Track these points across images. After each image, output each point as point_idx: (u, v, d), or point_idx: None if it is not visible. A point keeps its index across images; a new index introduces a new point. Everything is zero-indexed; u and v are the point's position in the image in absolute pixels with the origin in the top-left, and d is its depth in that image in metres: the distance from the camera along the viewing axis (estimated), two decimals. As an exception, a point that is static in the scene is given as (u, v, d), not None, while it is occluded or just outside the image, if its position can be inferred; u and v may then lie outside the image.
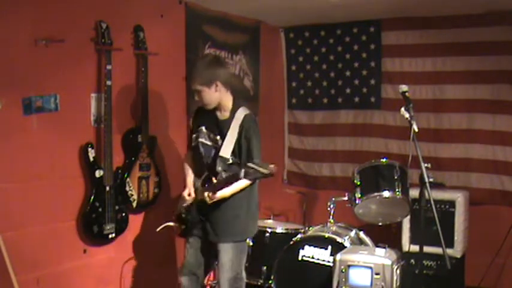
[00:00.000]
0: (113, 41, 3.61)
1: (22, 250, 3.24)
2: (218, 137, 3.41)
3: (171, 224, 3.57)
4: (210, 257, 3.56)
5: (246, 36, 5.14)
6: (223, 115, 3.44)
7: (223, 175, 3.29)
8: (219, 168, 3.35)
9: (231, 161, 3.36)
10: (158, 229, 3.56)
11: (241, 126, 3.37)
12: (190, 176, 3.53)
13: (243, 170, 3.07)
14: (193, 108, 3.73)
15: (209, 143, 3.45)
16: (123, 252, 3.91)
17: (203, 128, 3.46)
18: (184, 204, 3.46)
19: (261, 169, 3.02)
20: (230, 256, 3.44)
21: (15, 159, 3.24)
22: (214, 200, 3.29)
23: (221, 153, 3.37)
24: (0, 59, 3.13)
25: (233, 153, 3.37)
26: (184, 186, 3.49)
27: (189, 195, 3.44)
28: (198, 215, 3.46)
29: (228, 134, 3.37)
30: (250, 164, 3.07)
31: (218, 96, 3.37)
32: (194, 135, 3.51)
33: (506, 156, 4.66)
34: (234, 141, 3.37)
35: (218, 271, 3.50)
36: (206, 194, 3.27)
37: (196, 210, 3.45)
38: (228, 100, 3.42)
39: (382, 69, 5.13)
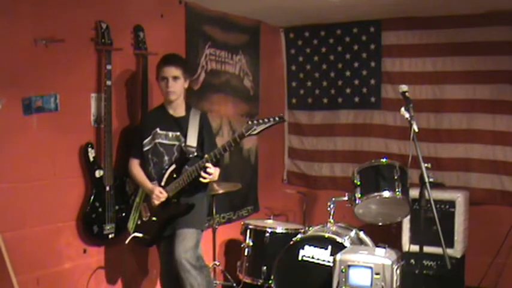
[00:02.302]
0: (113, 41, 3.61)
1: (22, 250, 3.24)
2: (178, 133, 3.52)
3: (139, 234, 3.59)
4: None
5: (246, 36, 5.14)
6: (178, 113, 3.58)
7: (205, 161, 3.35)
8: (190, 156, 3.45)
9: (196, 154, 3.47)
10: (127, 241, 3.60)
11: (201, 123, 3.54)
12: (147, 179, 3.56)
13: (245, 127, 3.20)
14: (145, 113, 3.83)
15: (168, 142, 3.53)
16: (123, 252, 3.91)
17: (158, 129, 3.54)
18: (157, 202, 3.47)
19: (266, 119, 3.17)
20: (195, 241, 3.48)
21: (15, 159, 3.24)
22: (215, 176, 3.38)
23: (188, 143, 3.48)
24: (0, 59, 3.13)
25: (196, 146, 3.49)
26: (150, 190, 3.51)
27: (161, 193, 3.47)
28: (163, 216, 3.51)
29: (189, 129, 3.51)
30: (252, 120, 3.20)
31: (183, 91, 3.56)
32: (148, 139, 3.55)
33: (506, 156, 4.66)
34: (196, 135, 3.50)
35: (178, 262, 3.41)
36: (208, 165, 3.33)
37: (161, 211, 3.50)
38: (183, 98, 3.59)
39: (382, 69, 5.13)
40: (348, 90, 5.33)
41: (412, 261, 4.11)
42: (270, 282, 4.11)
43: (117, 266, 3.91)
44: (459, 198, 4.30)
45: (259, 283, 4.27)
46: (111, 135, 3.63)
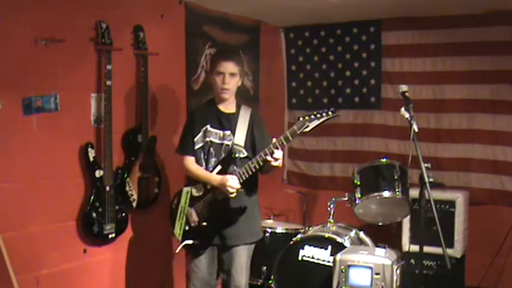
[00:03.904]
0: (113, 41, 3.61)
1: (22, 250, 3.24)
2: (228, 132, 3.38)
3: (190, 242, 3.41)
4: (219, 263, 3.51)
5: (246, 36, 5.14)
6: (229, 109, 3.42)
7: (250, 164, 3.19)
8: (237, 155, 3.31)
9: (245, 154, 3.34)
10: (177, 250, 3.45)
11: (251, 120, 3.39)
12: (209, 173, 3.33)
13: (297, 124, 3.05)
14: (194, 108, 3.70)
15: (219, 141, 3.39)
16: (123, 252, 3.91)
17: (208, 126, 3.41)
18: (234, 195, 3.21)
19: (319, 114, 3.03)
20: (246, 258, 3.43)
21: (15, 159, 3.24)
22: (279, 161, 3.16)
23: (236, 141, 3.33)
24: (0, 59, 3.13)
25: (245, 146, 3.36)
26: (221, 182, 3.22)
27: (233, 179, 3.19)
28: (214, 221, 3.37)
29: (238, 126, 3.36)
30: (304, 116, 3.04)
31: (236, 89, 3.41)
32: (199, 136, 3.40)
33: (506, 156, 4.66)
34: (245, 133, 3.36)
35: (231, 277, 3.41)
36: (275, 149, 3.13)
37: (211, 216, 3.37)
38: (234, 96, 3.46)
39: (382, 69, 5.12)
40: (348, 90, 5.33)
41: (412, 261, 4.11)
42: (270, 282, 4.11)
43: (117, 266, 3.91)
44: (459, 198, 4.30)
45: (259, 283, 4.27)
46: (111, 135, 3.62)
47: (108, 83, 3.58)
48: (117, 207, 3.70)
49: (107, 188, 3.63)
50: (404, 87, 3.41)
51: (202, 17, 4.55)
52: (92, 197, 3.58)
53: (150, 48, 3.92)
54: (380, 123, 5.18)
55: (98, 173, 3.59)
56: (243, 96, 5.08)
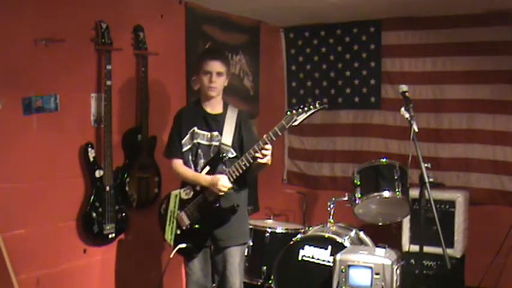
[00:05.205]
0: (113, 41, 3.61)
1: (22, 250, 3.24)
2: (216, 133, 3.35)
3: (183, 245, 3.37)
4: (212, 264, 3.49)
5: (246, 36, 5.14)
6: (215, 110, 3.40)
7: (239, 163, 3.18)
8: (224, 155, 3.28)
9: (234, 154, 3.32)
10: (171, 255, 3.41)
11: (239, 119, 3.37)
12: (199, 174, 3.32)
13: (284, 118, 3.05)
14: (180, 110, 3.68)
15: (207, 142, 3.37)
16: (123, 253, 3.91)
17: (195, 128, 3.39)
18: (221, 194, 3.22)
19: (306, 108, 3.03)
20: (239, 259, 3.41)
21: (15, 159, 3.24)
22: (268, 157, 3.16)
23: (223, 141, 3.31)
24: (0, 59, 3.13)
25: (233, 145, 3.34)
26: (211, 182, 3.22)
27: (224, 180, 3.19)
28: (205, 222, 3.35)
29: (225, 126, 3.34)
30: (291, 110, 3.04)
31: (223, 88, 3.38)
32: (186, 138, 3.38)
33: (506, 156, 4.66)
34: (232, 133, 3.34)
35: (225, 278, 3.39)
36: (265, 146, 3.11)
37: (202, 218, 3.35)
38: (221, 96, 3.42)
39: (382, 69, 5.13)
40: (348, 90, 5.33)
41: (412, 261, 4.11)
42: (270, 282, 4.11)
43: (117, 266, 3.91)
44: (459, 198, 4.30)
45: (259, 283, 4.27)
46: (111, 135, 3.62)
47: (108, 83, 3.58)
48: (117, 207, 3.70)
49: (107, 188, 3.63)
50: (404, 87, 3.41)
51: (202, 17, 4.55)
52: (92, 197, 3.58)
53: (150, 48, 3.92)
54: (380, 123, 5.18)
55: (98, 173, 3.59)
56: (243, 96, 5.12)
